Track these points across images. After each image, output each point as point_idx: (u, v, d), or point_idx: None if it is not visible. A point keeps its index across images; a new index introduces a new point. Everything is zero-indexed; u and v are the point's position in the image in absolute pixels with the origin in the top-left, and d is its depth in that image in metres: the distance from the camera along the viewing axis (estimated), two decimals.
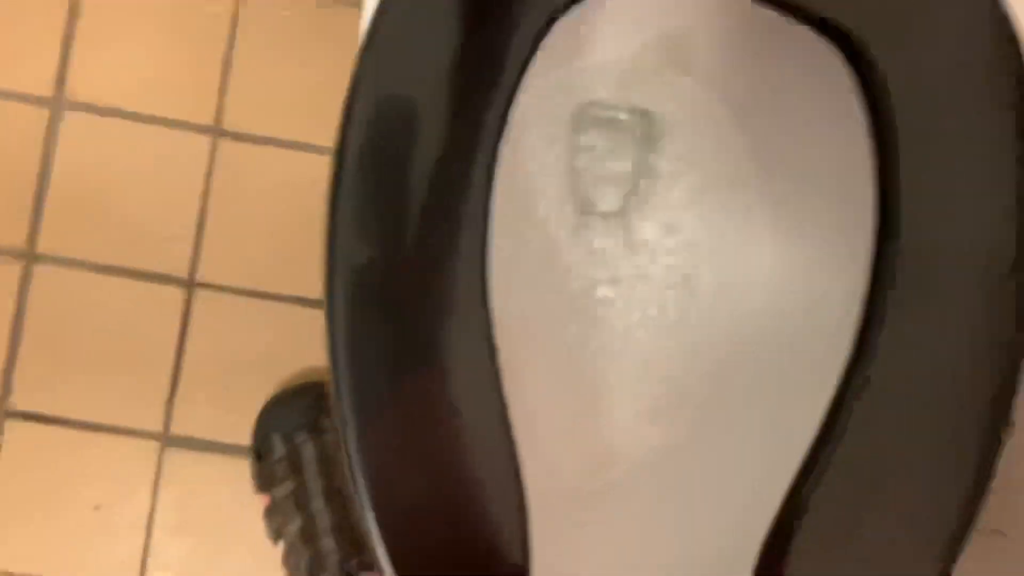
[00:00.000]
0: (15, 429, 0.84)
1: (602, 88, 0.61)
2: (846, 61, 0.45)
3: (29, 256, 0.84)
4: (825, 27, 0.46)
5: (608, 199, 0.62)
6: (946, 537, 0.39)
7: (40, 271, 0.84)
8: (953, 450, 0.41)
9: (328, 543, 0.76)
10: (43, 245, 0.84)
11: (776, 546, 0.41)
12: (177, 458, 0.84)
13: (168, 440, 0.84)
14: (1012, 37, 0.42)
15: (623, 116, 0.62)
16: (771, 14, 0.48)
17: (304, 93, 0.87)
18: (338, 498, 0.78)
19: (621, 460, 0.52)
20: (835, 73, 0.47)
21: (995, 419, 0.40)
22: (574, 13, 0.46)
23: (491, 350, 0.41)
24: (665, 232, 0.59)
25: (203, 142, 0.86)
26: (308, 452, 0.80)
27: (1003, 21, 0.42)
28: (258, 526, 0.80)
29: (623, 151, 0.62)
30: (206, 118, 0.86)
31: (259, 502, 0.82)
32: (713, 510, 0.47)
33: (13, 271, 0.84)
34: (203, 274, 0.85)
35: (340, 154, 0.43)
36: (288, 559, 0.79)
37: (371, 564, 0.73)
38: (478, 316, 0.41)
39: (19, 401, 0.84)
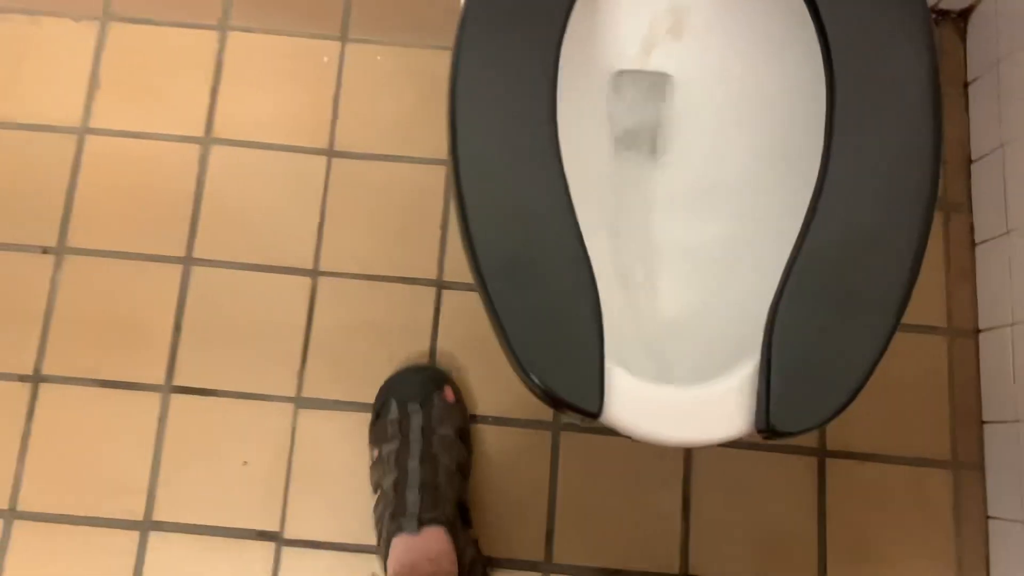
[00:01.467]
0: (178, 401, 1.02)
1: (627, 57, 0.79)
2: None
3: (188, 261, 1.05)
4: None
5: (640, 138, 0.79)
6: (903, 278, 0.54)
7: (197, 272, 1.05)
8: (896, 226, 0.55)
9: (413, 496, 0.89)
10: (198, 251, 1.05)
11: (779, 303, 0.55)
12: (309, 416, 1.01)
13: (300, 402, 1.01)
14: None
15: (645, 77, 0.80)
16: None
17: (397, 118, 1.08)
18: (431, 462, 0.92)
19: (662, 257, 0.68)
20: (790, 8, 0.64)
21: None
22: None
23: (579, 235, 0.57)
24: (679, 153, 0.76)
25: (320, 161, 1.07)
26: (416, 420, 0.95)
27: None
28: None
29: (647, 105, 0.79)
30: (321, 142, 1.07)
31: (369, 455, 0.97)
32: (744, 294, 0.62)
33: (175, 272, 1.04)
34: (324, 264, 1.04)
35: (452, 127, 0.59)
36: (377, 507, 0.92)
37: (442, 520, 0.87)
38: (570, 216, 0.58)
39: (180, 378, 1.02)
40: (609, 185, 0.79)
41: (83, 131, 1.07)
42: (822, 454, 1.01)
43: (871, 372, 0.56)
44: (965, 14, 1.10)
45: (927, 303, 1.04)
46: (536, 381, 0.56)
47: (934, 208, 0.58)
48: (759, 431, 0.56)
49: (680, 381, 0.60)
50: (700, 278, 0.73)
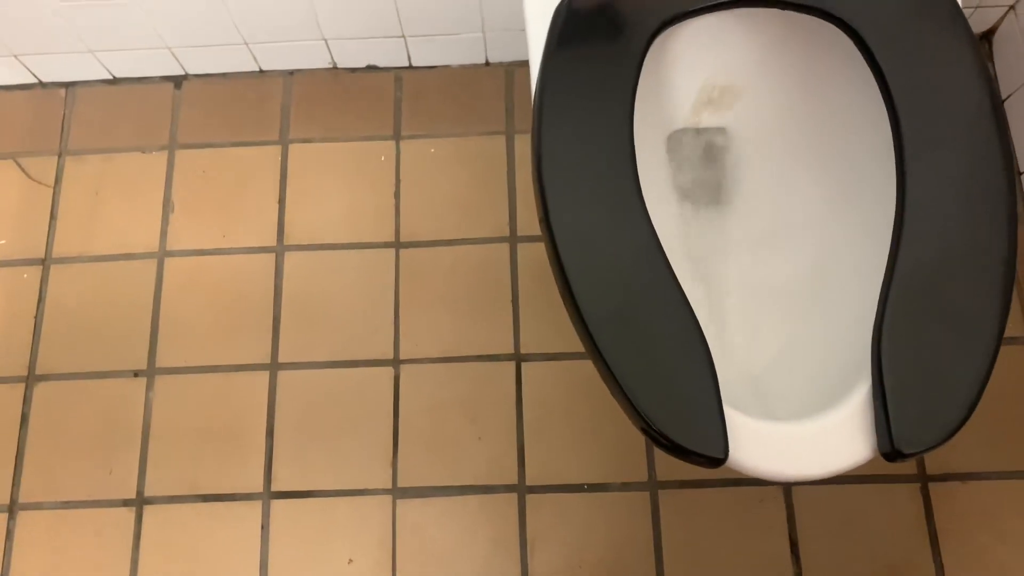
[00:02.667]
0: (278, 507, 1.04)
1: (683, 116, 0.83)
2: (846, 36, 0.66)
3: (274, 366, 1.08)
4: (833, 18, 0.67)
5: (705, 190, 0.82)
6: (999, 294, 0.55)
7: (283, 376, 1.08)
8: (984, 237, 0.57)
9: None
10: (283, 356, 1.09)
11: (882, 328, 0.57)
12: (408, 506, 1.02)
13: (397, 492, 1.03)
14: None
15: (701, 133, 0.84)
16: (789, 14, 0.69)
17: (456, 203, 1.13)
18: None
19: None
20: (837, 50, 0.67)
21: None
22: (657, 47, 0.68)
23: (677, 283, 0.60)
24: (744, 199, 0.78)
25: (388, 254, 1.11)
26: None
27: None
28: (483, 550, 0.96)
29: (706, 159, 0.83)
30: (388, 236, 1.12)
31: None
32: (837, 323, 0.64)
33: (262, 380, 1.08)
34: (404, 352, 1.07)
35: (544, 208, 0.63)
36: None
37: None
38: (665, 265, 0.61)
39: (277, 483, 1.05)
40: (681, 237, 0.82)
41: (162, 255, 1.13)
42: (924, 478, 1.00)
43: (985, 383, 0.57)
44: (988, 35, 1.13)
45: (1013, 314, 1.04)
46: (659, 432, 0.57)
47: (1016, 215, 0.60)
48: (883, 454, 0.57)
49: (785, 417, 0.61)
50: (786, 314, 0.75)
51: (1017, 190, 0.60)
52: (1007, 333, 1.03)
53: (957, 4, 0.65)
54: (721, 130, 0.84)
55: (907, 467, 1.00)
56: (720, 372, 0.69)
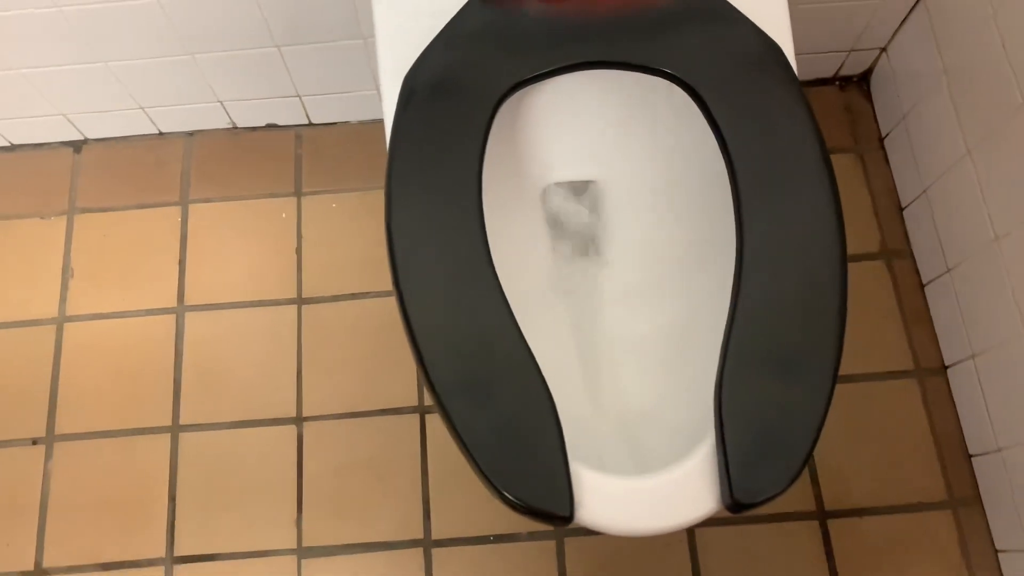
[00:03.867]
0: (182, 571, 1.02)
1: (555, 170, 0.85)
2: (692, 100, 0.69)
3: (175, 428, 1.07)
4: (674, 78, 0.69)
5: (581, 241, 0.84)
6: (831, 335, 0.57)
7: (185, 438, 1.07)
8: (817, 283, 0.60)
9: None
10: (184, 418, 1.08)
11: (723, 380, 0.59)
12: (314, 566, 1.01)
13: (303, 552, 1.02)
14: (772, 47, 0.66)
15: (575, 186, 0.86)
16: (638, 76, 0.71)
17: (358, 257, 1.13)
18: None
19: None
20: (686, 109, 0.70)
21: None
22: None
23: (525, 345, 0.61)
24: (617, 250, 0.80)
25: (291, 311, 1.12)
26: None
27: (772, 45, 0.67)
28: None
29: (581, 209, 0.85)
30: (290, 292, 1.12)
31: None
32: (701, 374, 0.65)
33: (164, 443, 1.07)
34: (308, 409, 1.07)
35: (394, 268, 0.64)
36: None
37: None
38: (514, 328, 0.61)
39: (180, 548, 1.03)
40: (560, 289, 0.83)
41: (61, 320, 1.12)
42: (822, 515, 1.01)
43: (819, 430, 0.58)
44: (866, 76, 1.18)
45: (891, 349, 1.07)
46: (505, 494, 0.58)
47: (846, 262, 0.62)
48: (726, 507, 0.58)
49: (655, 469, 0.62)
50: (658, 366, 0.76)
51: (845, 238, 0.63)
52: (895, 367, 1.06)
53: (787, 59, 0.68)
54: (593, 183, 0.86)
55: (805, 503, 1.02)
56: (593, 426, 0.70)
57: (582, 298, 0.82)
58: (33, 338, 1.11)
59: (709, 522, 1.00)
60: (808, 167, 0.65)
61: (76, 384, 1.09)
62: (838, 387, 1.03)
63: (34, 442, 1.07)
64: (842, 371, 1.03)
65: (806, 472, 1.02)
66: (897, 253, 1.11)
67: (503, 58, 0.69)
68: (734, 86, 0.67)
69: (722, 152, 0.65)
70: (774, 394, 0.59)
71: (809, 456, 0.58)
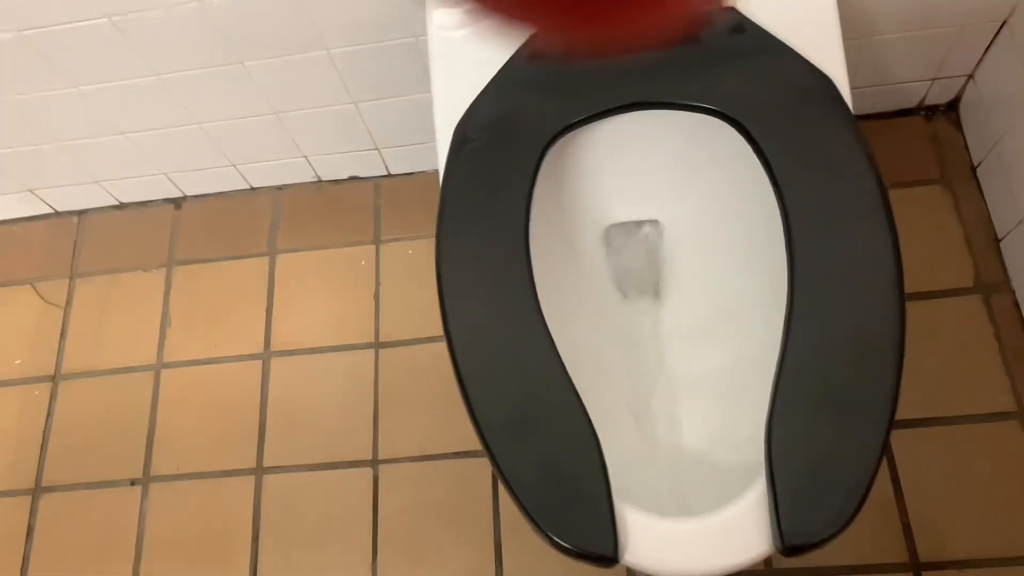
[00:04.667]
0: None
1: (617, 209, 0.85)
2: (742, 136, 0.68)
3: (259, 471, 1.11)
4: (724, 116, 0.69)
5: (639, 284, 0.83)
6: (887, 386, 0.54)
7: (268, 480, 1.11)
8: (874, 321, 0.57)
9: None
10: (268, 460, 1.12)
11: (772, 420, 0.56)
12: None
13: None
14: (825, 80, 0.65)
15: (637, 225, 0.85)
16: (691, 114, 0.71)
17: (432, 301, 1.15)
18: None
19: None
20: (740, 145, 0.69)
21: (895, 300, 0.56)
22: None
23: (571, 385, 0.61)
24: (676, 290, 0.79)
25: (368, 355, 1.15)
26: None
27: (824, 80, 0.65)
28: None
29: (642, 249, 0.84)
30: (368, 337, 1.16)
31: None
32: (744, 414, 0.63)
33: (248, 484, 1.11)
34: (383, 452, 1.09)
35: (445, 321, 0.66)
36: None
37: None
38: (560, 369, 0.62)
39: None
40: (621, 329, 0.83)
41: (159, 367, 1.19)
42: (916, 567, 0.95)
43: (875, 471, 0.55)
44: (954, 104, 1.13)
45: (992, 389, 1.00)
46: (550, 535, 0.57)
47: (903, 297, 0.59)
48: (778, 549, 0.56)
49: (699, 511, 0.60)
50: (714, 405, 0.74)
51: (902, 271, 0.60)
52: (1000, 408, 0.99)
53: (838, 91, 0.66)
54: (654, 223, 0.85)
55: (897, 554, 0.96)
56: (636, 466, 0.68)
57: (641, 338, 0.81)
58: (134, 384, 1.19)
59: (796, 572, 0.96)
60: (863, 202, 0.62)
61: (171, 427, 1.15)
62: (933, 430, 0.99)
63: (132, 483, 1.13)
64: (939, 413, 0.99)
65: (897, 522, 0.96)
66: (995, 287, 1.05)
67: (551, 103, 0.71)
68: (784, 121, 0.66)
69: (773, 188, 0.64)
70: (826, 434, 0.57)
71: (865, 498, 0.55)
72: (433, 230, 1.19)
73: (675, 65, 0.71)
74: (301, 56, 0.99)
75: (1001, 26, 0.98)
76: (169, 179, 1.24)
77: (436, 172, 1.22)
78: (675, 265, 0.83)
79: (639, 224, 0.86)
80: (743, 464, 0.65)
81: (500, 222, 0.67)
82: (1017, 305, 1.03)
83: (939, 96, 1.12)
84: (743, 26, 0.71)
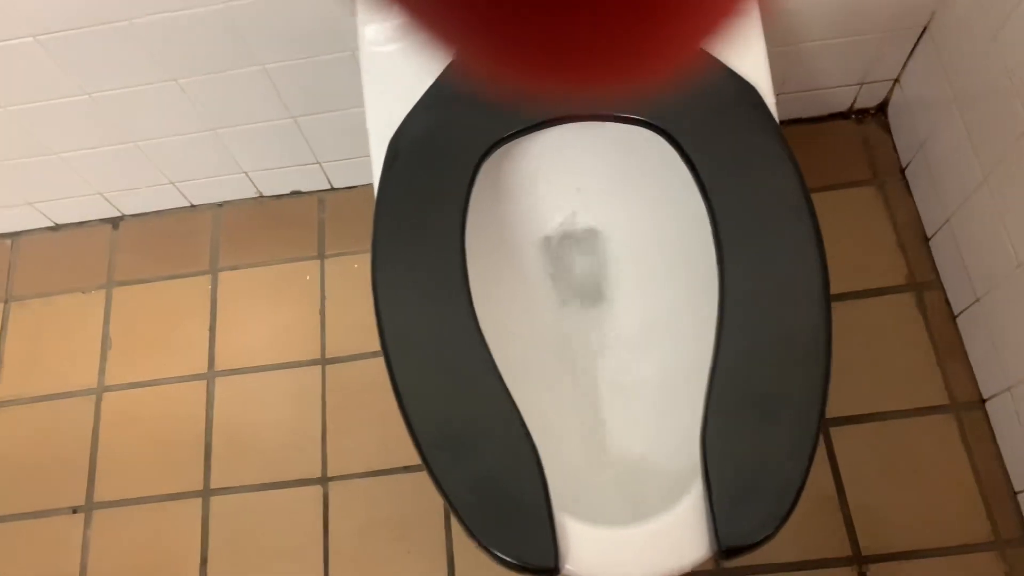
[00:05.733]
0: None
1: (555, 219, 0.86)
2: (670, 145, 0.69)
3: (206, 492, 1.10)
4: (652, 127, 0.70)
5: (579, 292, 0.84)
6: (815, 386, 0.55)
7: (215, 502, 1.09)
8: (801, 326, 0.58)
9: None
10: (215, 481, 1.10)
11: (707, 426, 0.57)
12: None
13: None
14: (749, 89, 0.66)
15: (576, 235, 0.86)
16: (624, 127, 0.72)
17: None
18: None
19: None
20: (670, 155, 0.70)
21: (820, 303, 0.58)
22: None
23: (509, 397, 0.61)
24: (614, 297, 0.80)
25: (315, 372, 1.14)
26: None
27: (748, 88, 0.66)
28: None
29: (581, 258, 0.85)
30: (314, 353, 1.15)
31: None
32: (681, 419, 0.64)
33: (195, 507, 1.09)
34: (332, 469, 1.08)
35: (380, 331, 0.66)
36: None
37: None
38: (497, 381, 0.62)
39: None
40: (561, 337, 0.83)
41: (100, 391, 1.16)
42: (859, 560, 0.97)
43: (807, 471, 0.57)
44: (883, 107, 1.16)
45: (925, 384, 1.03)
46: (491, 549, 0.58)
47: (829, 298, 0.60)
48: (715, 552, 0.57)
49: (648, 516, 0.61)
50: (653, 412, 0.75)
51: (828, 277, 0.61)
52: (930, 403, 1.02)
53: (762, 100, 0.68)
54: (592, 231, 0.86)
55: (841, 548, 0.98)
56: (591, 475, 0.69)
57: (582, 345, 0.82)
58: (74, 409, 1.16)
59: (743, 571, 0.97)
60: (788, 207, 0.64)
61: (114, 452, 1.13)
62: (871, 426, 1.01)
63: (74, 511, 1.10)
64: (876, 408, 1.02)
65: (839, 516, 0.98)
66: (926, 285, 1.08)
67: (482, 118, 0.71)
68: (710, 130, 0.67)
69: (702, 196, 0.65)
70: (758, 437, 0.58)
71: (798, 498, 0.56)
72: None
73: None
74: (236, 72, 0.98)
75: (922, 32, 1.01)
76: (105, 198, 1.21)
77: None
78: (614, 273, 0.84)
79: (578, 233, 0.87)
80: (683, 469, 0.66)
81: (435, 236, 0.67)
82: (948, 302, 1.06)
83: (868, 100, 1.15)
84: None
